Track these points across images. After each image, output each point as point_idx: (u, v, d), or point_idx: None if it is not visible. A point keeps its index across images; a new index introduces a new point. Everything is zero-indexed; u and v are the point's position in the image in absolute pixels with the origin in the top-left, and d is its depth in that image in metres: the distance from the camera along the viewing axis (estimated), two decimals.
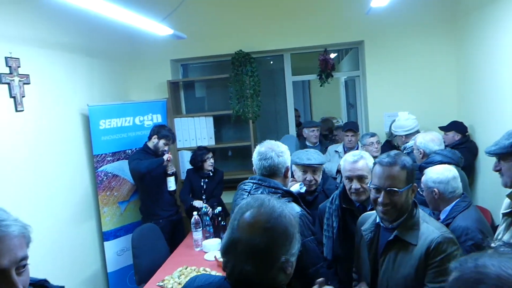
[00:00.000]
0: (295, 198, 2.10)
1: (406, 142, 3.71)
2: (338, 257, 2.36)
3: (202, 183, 4.28)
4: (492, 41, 3.64)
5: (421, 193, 2.67)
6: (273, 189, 2.04)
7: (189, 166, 4.74)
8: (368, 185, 1.86)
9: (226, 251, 1.17)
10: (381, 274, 1.79)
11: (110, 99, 4.42)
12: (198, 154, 4.28)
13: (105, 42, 4.45)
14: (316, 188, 2.83)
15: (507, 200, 1.95)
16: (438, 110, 4.44)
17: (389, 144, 4.38)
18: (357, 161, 2.33)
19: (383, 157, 1.78)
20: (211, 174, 4.29)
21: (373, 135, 4.13)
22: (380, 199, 1.73)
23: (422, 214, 1.80)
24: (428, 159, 3.05)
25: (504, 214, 1.92)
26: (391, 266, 1.75)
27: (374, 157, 3.87)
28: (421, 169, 3.01)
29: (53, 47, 3.56)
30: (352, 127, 4.28)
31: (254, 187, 2.10)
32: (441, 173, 2.48)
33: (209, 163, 4.25)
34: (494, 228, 3.65)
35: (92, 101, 4.02)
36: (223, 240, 1.21)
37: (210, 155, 4.29)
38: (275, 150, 2.13)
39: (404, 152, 3.57)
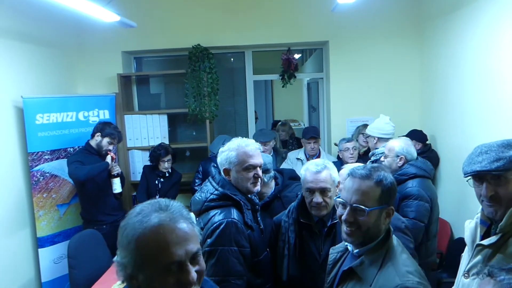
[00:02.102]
0: (237, 203, 1.98)
1: (376, 148, 3.54)
2: (293, 277, 2.12)
3: (157, 182, 4.01)
4: (454, 49, 3.59)
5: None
6: (216, 190, 2.01)
7: (140, 168, 4.43)
8: (335, 198, 1.60)
9: None
10: None
11: (52, 91, 3.99)
12: (156, 153, 4.02)
13: (47, 28, 4.02)
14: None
15: (470, 228, 1.63)
16: (401, 118, 4.33)
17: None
18: (320, 171, 2.08)
19: (358, 168, 1.52)
20: (167, 174, 4.05)
21: (349, 140, 3.94)
22: (343, 216, 1.47)
23: (395, 249, 1.47)
24: (401, 171, 2.88)
25: (479, 245, 1.54)
26: None
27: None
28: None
29: None
30: (314, 134, 4.08)
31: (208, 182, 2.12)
32: None
33: (163, 166, 4.01)
34: (454, 241, 3.61)
35: (29, 93, 3.60)
36: None
37: (168, 157, 4.02)
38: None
39: (372, 158, 3.42)
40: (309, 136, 4.04)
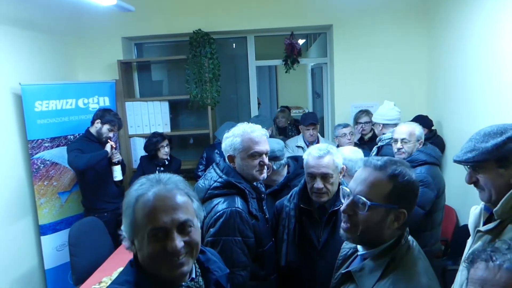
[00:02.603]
0: (241, 191, 1.92)
1: (383, 133, 3.47)
2: (291, 263, 2.08)
3: (157, 172, 3.93)
4: (461, 32, 3.48)
5: None
6: (220, 178, 1.94)
7: (142, 155, 4.39)
8: (342, 186, 1.43)
9: None
10: None
11: (51, 78, 3.94)
12: (152, 141, 3.93)
13: (45, 14, 3.95)
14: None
15: (474, 214, 1.62)
16: (406, 104, 4.23)
17: None
18: (323, 156, 2.01)
19: (374, 159, 1.31)
20: (166, 162, 3.98)
21: (346, 125, 3.87)
22: (342, 207, 1.30)
23: (406, 261, 1.24)
24: (411, 157, 2.79)
25: (479, 231, 1.53)
26: None
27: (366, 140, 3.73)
28: None
29: None
30: (313, 120, 3.99)
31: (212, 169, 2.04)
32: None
33: (163, 152, 3.93)
34: (459, 228, 3.55)
35: (28, 80, 3.55)
36: None
37: (166, 143, 3.94)
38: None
39: (379, 144, 3.35)
40: (308, 123, 3.96)
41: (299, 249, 2.06)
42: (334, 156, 2.03)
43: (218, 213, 1.82)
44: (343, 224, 1.30)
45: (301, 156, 2.88)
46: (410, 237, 1.31)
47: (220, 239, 1.80)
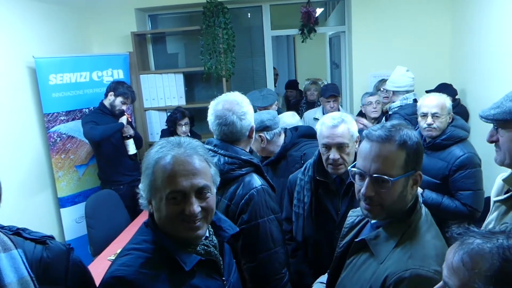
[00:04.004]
0: (257, 167, 1.76)
1: (393, 101, 3.31)
2: (308, 238, 2.03)
3: None
4: (488, 1, 3.27)
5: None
6: (230, 159, 1.71)
7: (158, 128, 4.37)
8: (349, 168, 1.32)
9: None
10: (340, 278, 1.35)
11: (64, 51, 3.91)
12: (172, 116, 3.90)
13: None
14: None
15: (498, 183, 1.54)
16: (428, 73, 4.05)
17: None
18: (337, 125, 1.90)
19: (374, 129, 1.24)
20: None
21: (372, 94, 3.71)
22: (362, 190, 1.21)
23: (420, 226, 1.21)
24: (446, 135, 2.48)
25: (496, 201, 1.47)
26: (352, 274, 1.28)
27: (373, 119, 3.60)
28: (436, 147, 2.51)
29: None
30: (333, 92, 3.83)
31: (210, 155, 1.75)
32: None
33: (181, 130, 3.87)
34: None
35: (41, 53, 3.53)
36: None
37: (184, 121, 3.86)
38: (236, 113, 1.74)
39: (389, 113, 3.22)
40: (328, 95, 3.82)
41: (317, 223, 2.00)
42: (349, 125, 1.93)
43: (246, 197, 1.67)
44: (365, 205, 1.23)
45: (302, 125, 2.77)
46: (420, 201, 1.28)
47: (258, 222, 1.66)
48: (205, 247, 1.22)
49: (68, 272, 1.13)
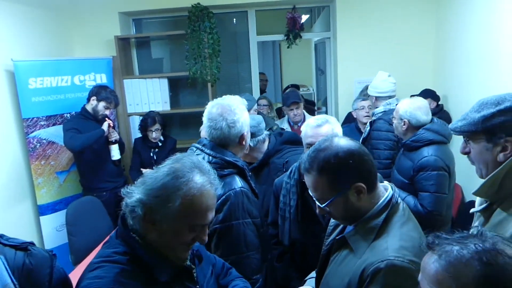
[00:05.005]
0: (240, 170, 1.76)
1: (376, 107, 3.32)
2: (295, 241, 2.00)
3: (152, 154, 3.82)
4: (471, 8, 3.34)
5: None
6: (214, 158, 1.72)
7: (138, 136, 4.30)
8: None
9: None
10: (325, 274, 1.38)
11: (45, 54, 3.83)
12: (143, 122, 3.80)
13: None
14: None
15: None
16: (412, 78, 4.10)
17: (351, 117, 3.97)
18: (321, 125, 1.93)
19: (303, 162, 1.31)
20: (159, 143, 3.83)
21: (364, 99, 3.68)
22: (317, 210, 1.34)
23: (396, 220, 1.25)
24: (415, 137, 2.54)
25: (475, 212, 1.47)
26: (334, 269, 1.33)
27: (364, 124, 3.59)
28: (407, 148, 2.61)
29: None
30: (295, 99, 3.77)
31: (196, 153, 1.78)
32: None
33: (152, 136, 3.76)
34: (465, 204, 3.46)
35: (21, 56, 3.44)
36: None
37: (155, 127, 3.74)
38: (226, 119, 1.75)
39: (373, 118, 3.22)
40: (290, 102, 3.76)
41: (303, 226, 1.97)
42: (333, 125, 1.95)
43: (223, 197, 1.67)
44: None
45: (287, 131, 2.77)
46: (399, 198, 1.31)
47: (232, 224, 1.66)
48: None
49: (52, 279, 1.11)
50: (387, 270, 1.11)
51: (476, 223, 1.45)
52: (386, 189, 1.32)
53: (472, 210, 1.46)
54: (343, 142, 1.27)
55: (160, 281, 1.12)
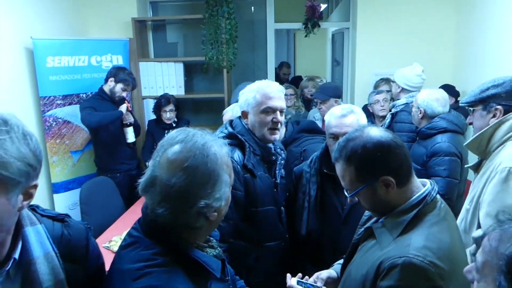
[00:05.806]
0: (241, 143, 1.88)
1: (398, 98, 3.29)
2: (312, 231, 1.99)
3: (165, 135, 3.81)
4: (492, 5, 3.31)
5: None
6: (222, 129, 1.96)
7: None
8: None
9: (144, 189, 1.05)
10: (351, 261, 1.37)
11: (63, 33, 3.82)
12: (157, 102, 3.83)
13: None
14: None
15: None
16: (432, 74, 4.00)
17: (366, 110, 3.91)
18: (346, 115, 1.89)
19: (335, 146, 1.31)
20: (173, 125, 3.82)
21: (379, 92, 3.65)
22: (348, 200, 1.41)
23: (426, 219, 1.19)
24: (430, 124, 2.62)
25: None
26: (359, 258, 1.31)
27: (381, 117, 3.57)
28: (421, 135, 2.67)
29: None
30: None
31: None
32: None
33: (166, 116, 3.78)
34: None
35: (39, 34, 3.43)
36: (143, 177, 1.07)
37: (169, 107, 3.77)
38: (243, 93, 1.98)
39: (393, 110, 3.20)
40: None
41: (321, 217, 1.97)
42: (358, 116, 1.91)
43: None
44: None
45: (304, 119, 2.75)
46: (439, 198, 1.26)
47: None
48: (213, 248, 1.17)
49: (88, 251, 1.11)
50: (403, 267, 1.08)
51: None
52: (424, 185, 1.27)
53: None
54: (375, 132, 1.23)
55: (213, 276, 1.09)
